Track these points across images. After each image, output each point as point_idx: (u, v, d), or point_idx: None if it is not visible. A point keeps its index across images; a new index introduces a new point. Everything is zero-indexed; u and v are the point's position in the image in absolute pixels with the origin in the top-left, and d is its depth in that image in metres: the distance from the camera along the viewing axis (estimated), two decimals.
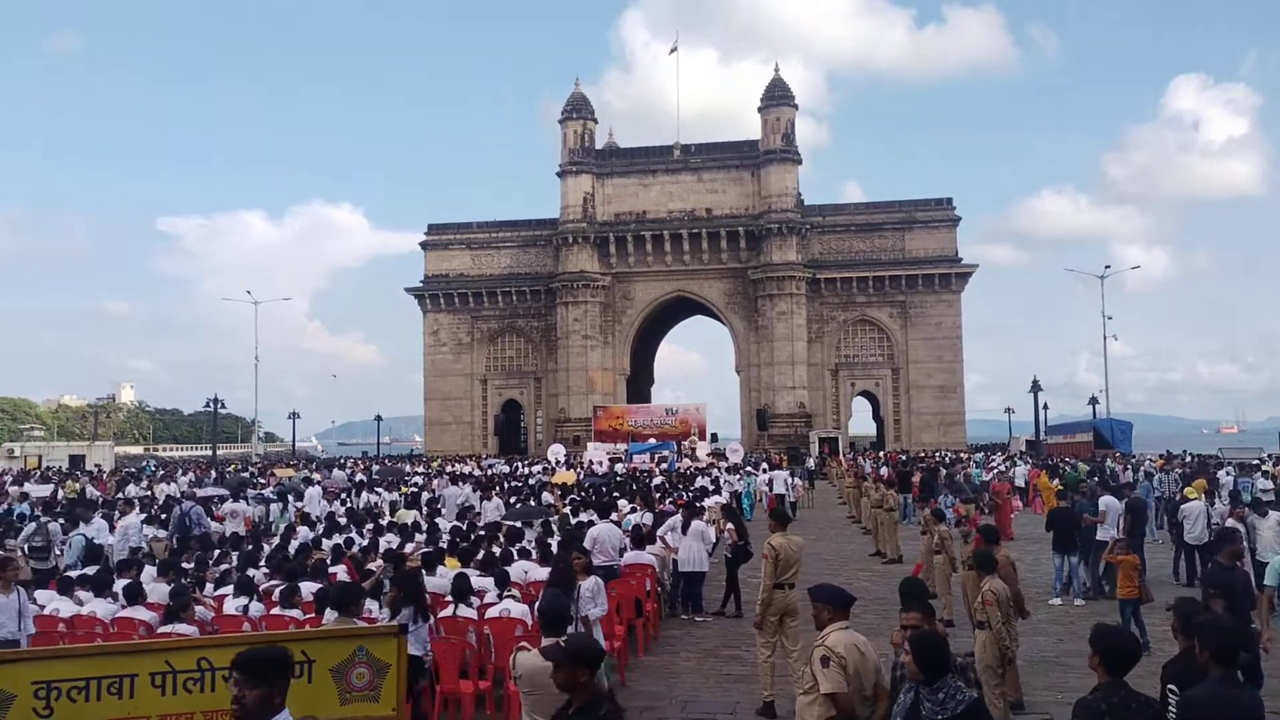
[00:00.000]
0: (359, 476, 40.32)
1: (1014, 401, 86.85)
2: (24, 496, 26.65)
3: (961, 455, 53.63)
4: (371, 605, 9.82)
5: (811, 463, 50.89)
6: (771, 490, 32.47)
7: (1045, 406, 68.94)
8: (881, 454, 57.60)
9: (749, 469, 38.81)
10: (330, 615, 9.08)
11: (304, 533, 18.49)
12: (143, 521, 21.08)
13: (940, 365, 69.49)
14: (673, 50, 75.48)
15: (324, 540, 17.35)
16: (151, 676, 4.51)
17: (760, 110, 70.10)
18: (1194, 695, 5.11)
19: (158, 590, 11.65)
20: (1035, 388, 67.50)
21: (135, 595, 10.99)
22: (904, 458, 49.63)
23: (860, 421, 75.78)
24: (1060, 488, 27.17)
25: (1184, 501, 19.87)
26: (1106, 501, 18.14)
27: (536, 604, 10.45)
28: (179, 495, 30.00)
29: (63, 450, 65.48)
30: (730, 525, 17.26)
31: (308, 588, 11.31)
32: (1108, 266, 71.30)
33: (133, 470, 52.58)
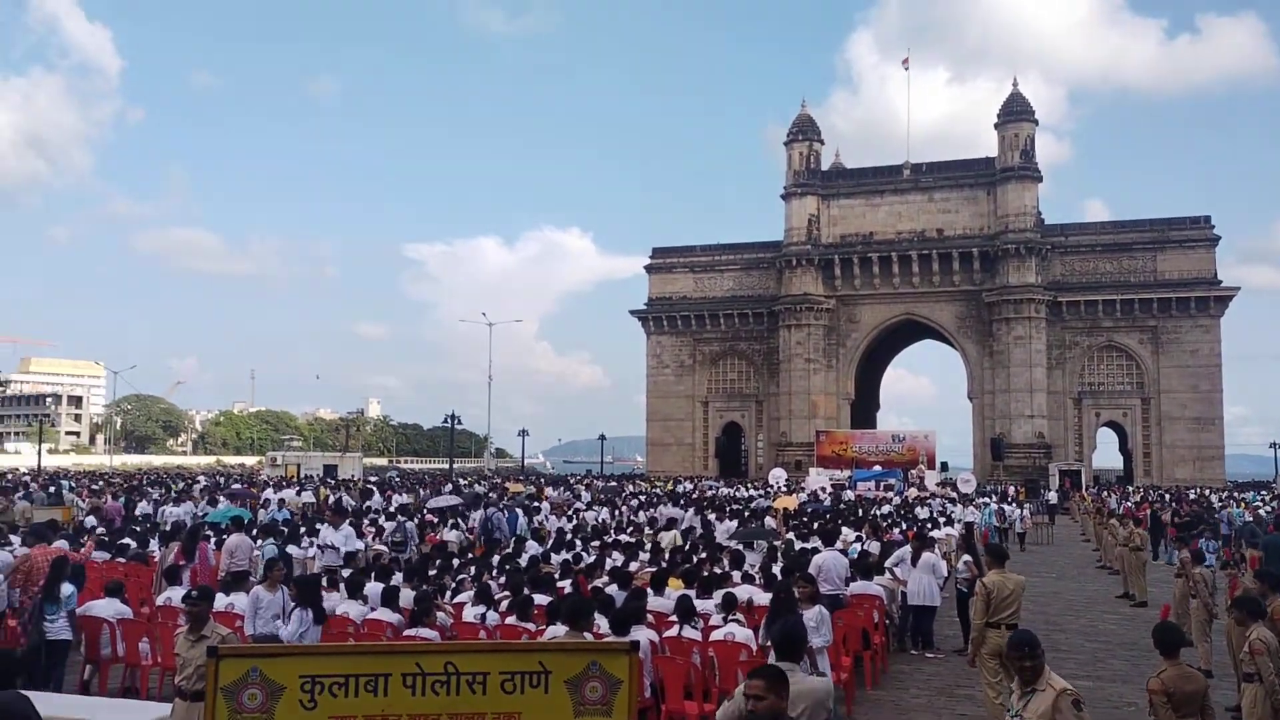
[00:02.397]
0: (584, 495, 41.36)
1: None
2: (281, 503, 28.78)
3: (1221, 494, 49.29)
4: (600, 620, 9.99)
5: (1051, 496, 48.16)
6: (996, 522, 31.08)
7: None
8: (1130, 489, 53.88)
9: (983, 499, 37.18)
10: (558, 629, 9.30)
11: (532, 546, 19.11)
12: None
13: (1196, 395, 64.41)
14: (905, 63, 73.89)
15: (552, 555, 17.89)
16: (403, 677, 4.72)
17: (997, 126, 67.52)
18: None
19: (402, 595, 12.28)
20: None
21: (389, 599, 11.64)
22: (1156, 494, 46.20)
23: (1105, 454, 71.28)
24: None
25: None
26: None
27: (758, 628, 10.38)
28: (414, 506, 31.78)
29: (318, 460, 70.73)
30: (968, 558, 16.54)
31: (539, 600, 11.66)
32: None
33: (378, 480, 56.07)
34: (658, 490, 45.75)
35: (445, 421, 74.37)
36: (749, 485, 54.66)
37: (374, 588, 12.27)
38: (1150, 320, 64.98)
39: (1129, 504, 38.60)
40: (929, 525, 24.47)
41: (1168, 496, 43.79)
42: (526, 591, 12.06)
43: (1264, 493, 53.72)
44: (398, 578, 13.33)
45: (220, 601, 12.03)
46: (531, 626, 10.88)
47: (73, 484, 42.24)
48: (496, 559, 16.61)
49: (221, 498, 32.02)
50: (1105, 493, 50.21)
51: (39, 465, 64.75)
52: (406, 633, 10.44)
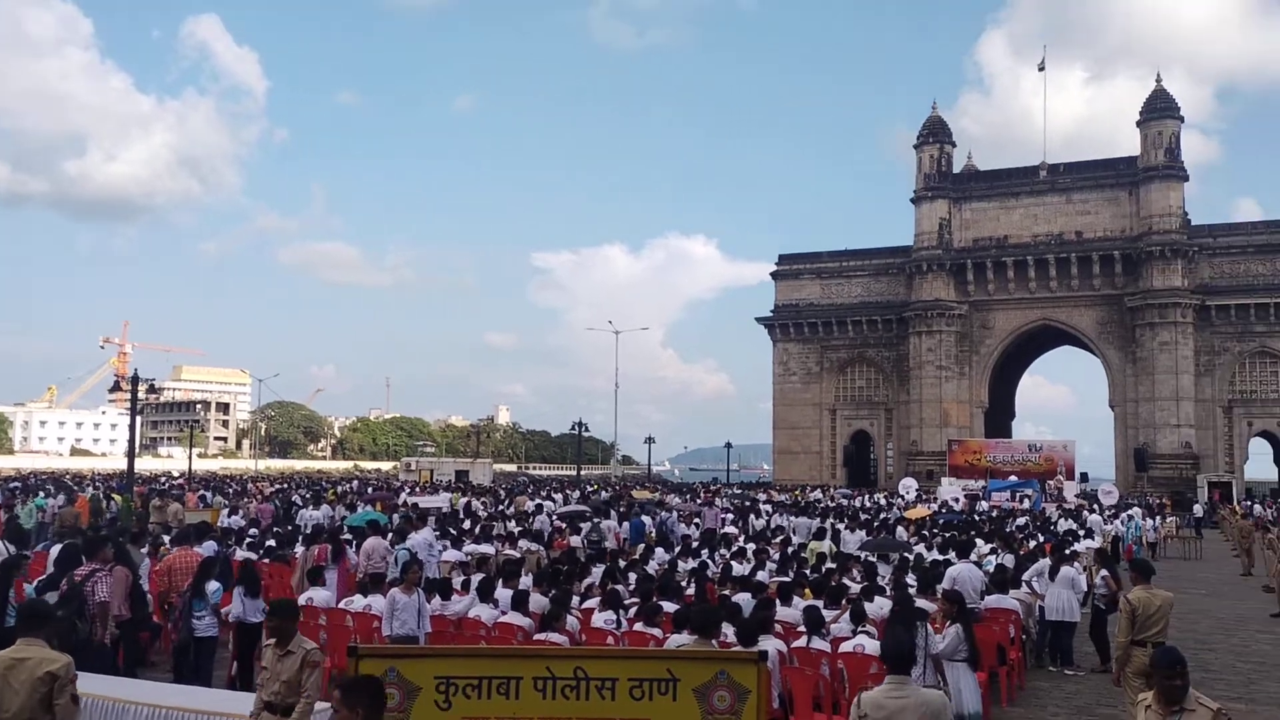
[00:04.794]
0: (720, 502, 41.24)
1: None
2: (413, 506, 29.56)
3: None
4: (727, 629, 9.94)
5: (1199, 510, 45.90)
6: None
7: None
8: None
9: (1128, 513, 35.73)
10: (683, 636, 9.27)
11: (659, 553, 19.18)
12: (519, 533, 22.91)
13: None
14: (1040, 67, 71.74)
15: (679, 563, 17.91)
16: (534, 680, 4.81)
17: (1139, 124, 64.82)
18: None
19: (532, 599, 12.48)
20: None
21: (520, 603, 11.85)
22: None
23: (1258, 465, 67.50)
24: None
25: None
26: None
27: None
28: (548, 511, 32.26)
29: (450, 466, 72.43)
30: (1105, 573, 15.92)
31: (667, 607, 11.68)
32: None
33: (509, 486, 57.11)
34: (785, 499, 45.35)
35: (573, 428, 75.37)
36: (877, 495, 53.71)
37: (504, 592, 12.50)
38: None
39: None
40: (1069, 538, 23.57)
41: None
42: (655, 599, 12.11)
43: None
44: (525, 582, 13.56)
45: (359, 602, 12.47)
46: (659, 633, 10.91)
47: (239, 487, 44.44)
48: (622, 564, 16.70)
49: (358, 503, 33.10)
50: (1261, 506, 47.57)
51: (189, 469, 68.24)
52: (537, 637, 10.60)
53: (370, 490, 44.89)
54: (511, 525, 25.84)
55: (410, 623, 10.48)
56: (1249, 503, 51.45)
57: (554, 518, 28.62)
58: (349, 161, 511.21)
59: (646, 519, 28.22)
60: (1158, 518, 37.27)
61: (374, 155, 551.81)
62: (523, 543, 21.13)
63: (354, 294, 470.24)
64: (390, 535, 17.92)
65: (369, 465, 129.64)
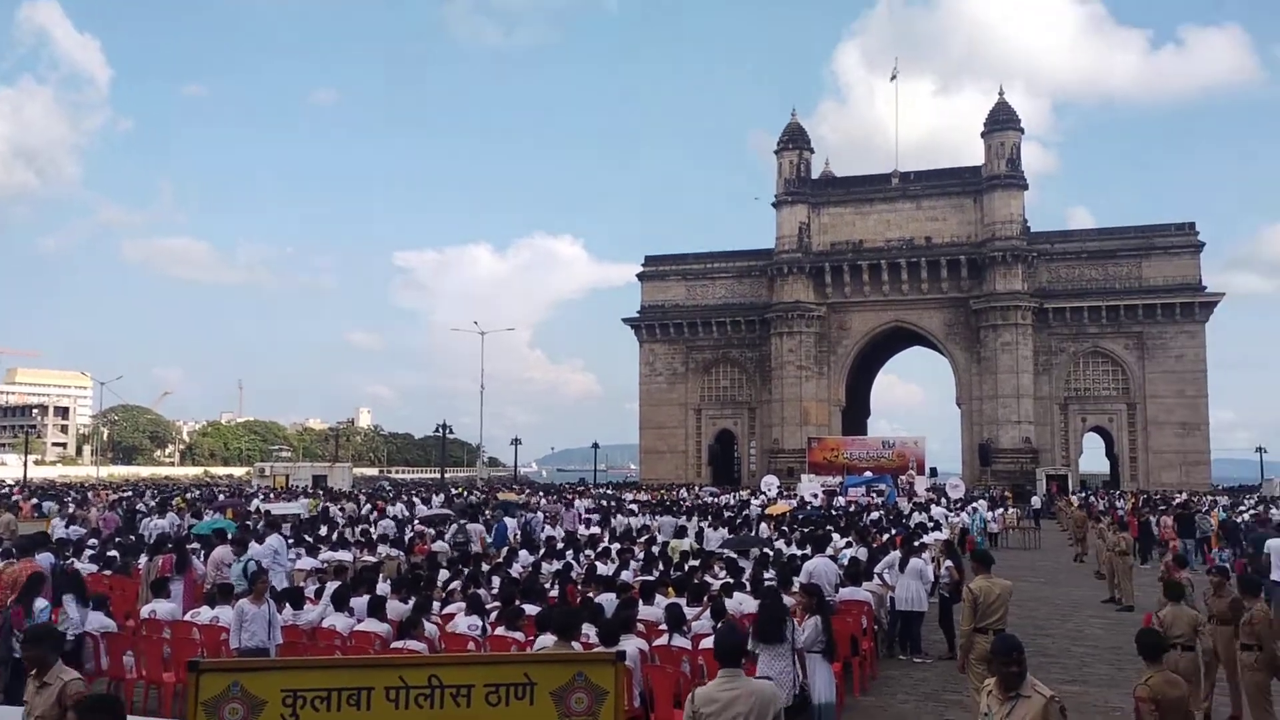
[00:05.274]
0: (578, 503, 41.17)
1: (1268, 440, 79.52)
2: (266, 513, 28.54)
3: (1208, 498, 49.41)
4: (589, 630, 9.97)
5: (1037, 501, 48.33)
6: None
7: None
8: (1116, 493, 54.07)
9: (973, 506, 37.33)
10: (547, 639, 9.27)
11: (524, 556, 19.06)
12: (377, 538, 22.40)
13: (1182, 400, 64.63)
14: (893, 77, 74.37)
15: (543, 564, 17.84)
16: (386, 690, 4.68)
17: (984, 135, 67.80)
18: None
19: (391, 606, 12.22)
20: None
21: (376, 610, 11.58)
22: (1144, 498, 46.34)
23: (1092, 459, 71.47)
24: None
25: None
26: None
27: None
28: (405, 516, 31.71)
29: (307, 470, 70.11)
30: (950, 563, 16.57)
31: (529, 610, 11.62)
32: None
33: (369, 491, 55.80)
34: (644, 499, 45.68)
35: (437, 431, 74.17)
36: (740, 492, 54.59)
37: (360, 601, 12.20)
38: (1135, 326, 65.24)
39: (1119, 510, 38.69)
40: (920, 531, 24.48)
41: (1163, 504, 43.65)
42: (517, 601, 12.02)
43: (1251, 496, 53.89)
44: (384, 588, 13.28)
45: (206, 614, 11.98)
46: (521, 636, 10.84)
47: (80, 495, 41.95)
48: (486, 568, 16.53)
49: (207, 510, 31.84)
50: (1092, 497, 50.34)
51: (25, 477, 64.33)
52: (394, 645, 10.39)
53: (221, 497, 43.21)
54: (372, 530, 25.29)
55: (260, 634, 10.13)
56: (1083, 494, 54.42)
57: (414, 524, 28.13)
58: (199, 155, 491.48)
59: (511, 521, 28.01)
60: (999, 509, 39.05)
61: (225, 149, 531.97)
62: (381, 548, 20.69)
63: (204, 293, 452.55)
64: (232, 545, 17.28)
65: (220, 471, 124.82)
